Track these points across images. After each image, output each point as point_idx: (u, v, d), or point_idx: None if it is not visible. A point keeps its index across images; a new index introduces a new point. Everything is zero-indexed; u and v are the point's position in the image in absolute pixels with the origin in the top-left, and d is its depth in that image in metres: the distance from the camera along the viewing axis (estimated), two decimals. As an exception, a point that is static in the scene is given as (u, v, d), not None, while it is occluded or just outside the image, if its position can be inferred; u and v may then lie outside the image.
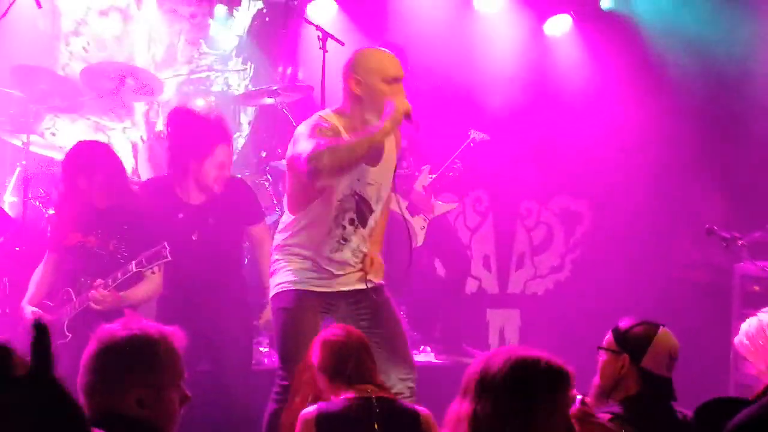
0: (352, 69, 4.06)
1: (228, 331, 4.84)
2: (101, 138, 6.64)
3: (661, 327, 3.40)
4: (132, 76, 6.09)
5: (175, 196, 4.88)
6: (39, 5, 5.66)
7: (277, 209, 6.29)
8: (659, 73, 7.51)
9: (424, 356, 6.22)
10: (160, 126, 6.87)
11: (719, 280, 7.07)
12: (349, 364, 3.41)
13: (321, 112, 4.16)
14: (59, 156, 6.17)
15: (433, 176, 6.48)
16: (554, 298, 7.87)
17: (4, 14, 5.57)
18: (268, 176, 6.27)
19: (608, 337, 3.42)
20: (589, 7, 7.67)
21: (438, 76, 7.08)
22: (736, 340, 3.75)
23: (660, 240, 7.73)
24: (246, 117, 7.43)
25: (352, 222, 4.11)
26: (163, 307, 4.84)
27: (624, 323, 3.40)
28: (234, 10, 7.18)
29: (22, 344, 0.93)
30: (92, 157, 4.68)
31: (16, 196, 6.05)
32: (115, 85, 5.99)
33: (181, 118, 4.98)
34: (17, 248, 5.75)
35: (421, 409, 3.48)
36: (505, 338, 7.68)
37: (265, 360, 5.76)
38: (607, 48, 7.63)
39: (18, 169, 6.05)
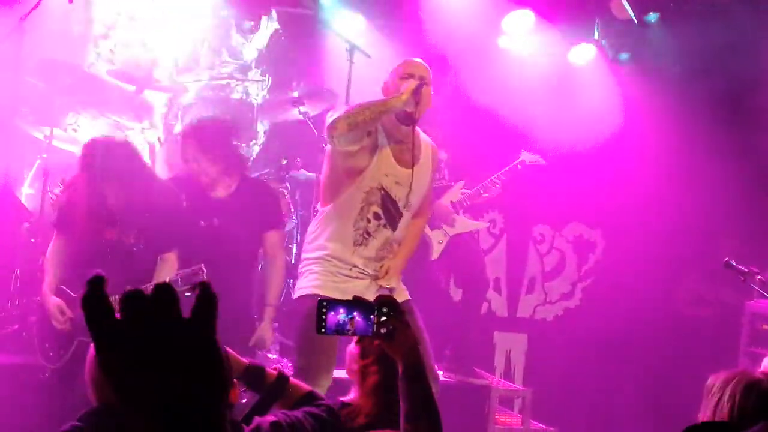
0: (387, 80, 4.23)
1: (226, 340, 4.72)
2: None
3: None
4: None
5: (199, 188, 4.86)
6: (70, 0, 5.69)
7: (294, 218, 6.27)
8: (678, 107, 7.51)
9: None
10: (178, 128, 6.87)
11: (728, 317, 7.04)
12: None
13: None
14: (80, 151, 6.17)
15: (468, 191, 6.04)
16: (562, 325, 7.86)
17: (35, 7, 5.59)
18: (287, 185, 6.26)
19: None
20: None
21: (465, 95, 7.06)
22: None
23: (672, 275, 7.72)
24: (263, 126, 7.43)
25: (377, 217, 4.14)
26: None
27: None
28: (252, 31, 7.26)
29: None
30: (110, 161, 4.48)
31: (34, 188, 6.04)
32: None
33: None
34: (32, 240, 5.74)
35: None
36: (511, 362, 7.66)
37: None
38: (627, 81, 7.65)
39: (38, 162, 6.05)
